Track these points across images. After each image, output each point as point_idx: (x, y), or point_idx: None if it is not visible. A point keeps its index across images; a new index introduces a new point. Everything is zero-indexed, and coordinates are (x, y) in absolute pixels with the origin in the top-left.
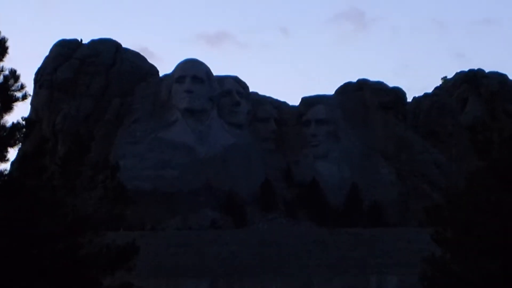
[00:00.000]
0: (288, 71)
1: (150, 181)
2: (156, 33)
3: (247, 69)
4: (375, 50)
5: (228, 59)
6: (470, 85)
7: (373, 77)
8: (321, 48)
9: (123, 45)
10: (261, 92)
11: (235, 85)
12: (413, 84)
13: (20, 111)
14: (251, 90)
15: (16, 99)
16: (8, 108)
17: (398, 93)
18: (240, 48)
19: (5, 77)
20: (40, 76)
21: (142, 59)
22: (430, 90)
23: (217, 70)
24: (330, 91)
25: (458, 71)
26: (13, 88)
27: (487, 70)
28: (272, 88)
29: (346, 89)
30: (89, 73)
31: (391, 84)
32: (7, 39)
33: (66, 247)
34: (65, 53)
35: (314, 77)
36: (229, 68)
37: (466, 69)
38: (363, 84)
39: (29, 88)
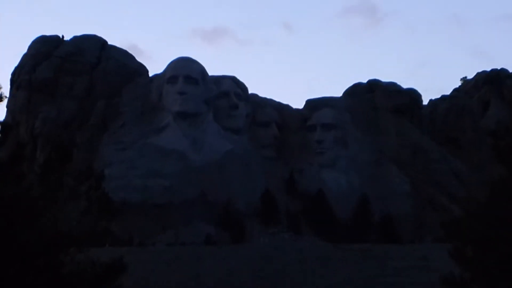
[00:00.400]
0: (292, 71)
1: (138, 192)
2: (146, 29)
3: (247, 68)
4: (388, 48)
5: (226, 58)
6: (492, 86)
7: (385, 78)
8: (328, 45)
9: (109, 42)
10: (262, 94)
11: (232, 86)
12: (429, 86)
13: None
14: (250, 91)
15: None
16: None
17: (412, 95)
18: (239, 46)
19: None
20: (17, 76)
21: (130, 57)
22: (448, 92)
23: (213, 69)
24: (338, 93)
25: (479, 71)
26: None
27: (511, 70)
28: (273, 89)
29: (356, 91)
30: (71, 72)
31: (405, 85)
32: None
33: (46, 264)
34: (45, 50)
35: (320, 77)
36: (226, 68)
37: (488, 69)
38: (374, 85)
39: (5, 89)
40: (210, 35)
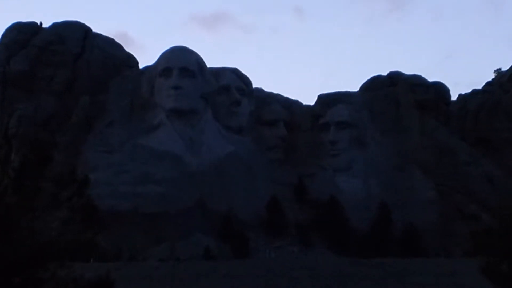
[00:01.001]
0: (302, 62)
1: (128, 200)
2: (137, 15)
3: (251, 59)
4: (412, 36)
5: (227, 47)
6: None
7: (408, 70)
8: (344, 33)
9: (94, 30)
10: (267, 88)
11: (234, 79)
12: (459, 79)
13: None
14: (254, 85)
15: None
16: None
17: (439, 89)
18: (243, 33)
19: None
20: None
21: (118, 47)
22: (480, 85)
23: (213, 60)
24: (354, 87)
25: None
26: None
27: None
28: (281, 83)
29: (374, 85)
30: (50, 64)
31: (430, 78)
32: None
33: (23, 282)
34: (21, 39)
35: (334, 69)
36: (228, 58)
37: None
38: (395, 78)
39: None
40: (209, 22)
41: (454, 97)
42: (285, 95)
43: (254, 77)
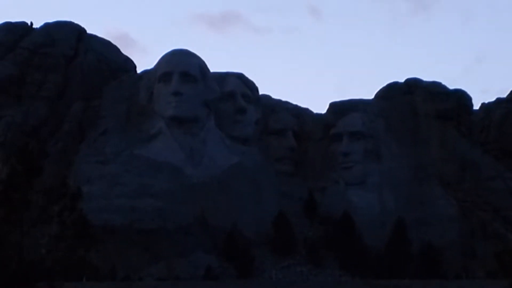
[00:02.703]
0: (315, 67)
1: (123, 214)
2: (140, 14)
3: (260, 63)
4: (438, 39)
5: (235, 50)
6: None
7: (432, 76)
8: (363, 36)
9: (92, 30)
10: (276, 95)
11: (239, 85)
12: (488, 86)
13: None
14: (262, 92)
15: None
16: None
17: (460, 97)
18: (254, 35)
19: None
20: None
21: (113, 49)
22: (505, 94)
23: (221, 64)
24: (369, 94)
25: None
26: None
27: None
28: (290, 90)
29: (391, 92)
30: (41, 68)
31: (456, 84)
32: None
33: None
34: (9, 40)
35: (349, 75)
36: (237, 62)
37: None
38: (413, 85)
39: None
40: (218, 22)
41: (476, 106)
42: (294, 102)
43: (261, 83)
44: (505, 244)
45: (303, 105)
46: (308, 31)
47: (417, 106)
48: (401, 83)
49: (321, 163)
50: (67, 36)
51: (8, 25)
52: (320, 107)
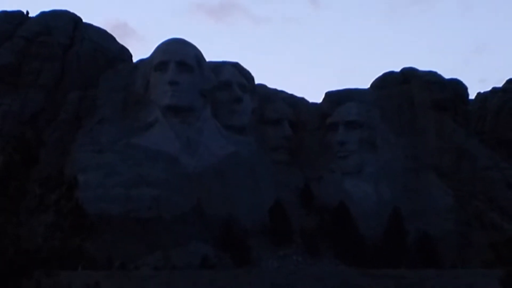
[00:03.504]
0: (311, 56)
1: (120, 203)
2: (138, 3)
3: (257, 52)
4: (437, 29)
5: (234, 39)
6: None
7: (430, 66)
8: (361, 25)
9: (90, 19)
10: (271, 84)
11: (235, 74)
12: (488, 75)
13: None
14: (257, 81)
15: None
16: None
17: (456, 87)
18: (254, 24)
19: None
20: None
21: (110, 38)
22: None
23: (218, 53)
24: (365, 83)
25: None
26: None
27: None
28: (286, 79)
29: (387, 82)
30: (38, 57)
31: (455, 74)
32: None
33: None
34: (5, 29)
35: (345, 64)
36: (235, 52)
37: None
38: (409, 75)
39: None
40: (217, 11)
41: (472, 95)
42: (290, 92)
43: (257, 72)
44: (501, 234)
45: (299, 94)
46: (307, 20)
47: (413, 96)
48: (397, 72)
49: (317, 153)
50: (63, 25)
51: (4, 14)
52: (316, 97)
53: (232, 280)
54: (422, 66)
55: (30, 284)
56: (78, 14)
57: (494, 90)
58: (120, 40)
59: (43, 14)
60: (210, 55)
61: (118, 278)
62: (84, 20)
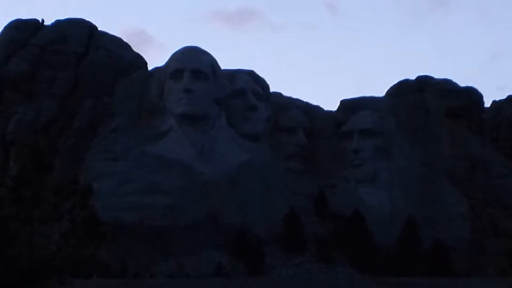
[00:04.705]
0: (327, 64)
1: (134, 211)
2: (156, 11)
3: (273, 60)
4: (455, 35)
5: (251, 47)
6: None
7: (447, 73)
8: (380, 33)
9: (107, 27)
10: (286, 92)
11: (250, 82)
12: (505, 82)
13: None
14: (272, 89)
15: None
16: None
17: (471, 95)
18: (271, 32)
19: None
20: None
21: (125, 46)
22: None
23: (235, 61)
24: (380, 91)
25: None
26: None
27: None
28: (301, 87)
29: (402, 90)
30: (52, 65)
31: (472, 81)
32: None
33: None
34: (20, 37)
35: (360, 71)
36: (250, 59)
37: None
38: (424, 83)
39: None
40: (235, 19)
41: (487, 103)
42: (305, 100)
43: (273, 80)
44: None
45: (314, 102)
46: (325, 28)
47: (428, 104)
48: (412, 80)
49: (331, 161)
50: (78, 33)
51: (19, 22)
52: (331, 105)
53: (246, 287)
54: (439, 74)
55: None
56: (96, 22)
57: (510, 98)
58: (138, 47)
59: (58, 23)
60: (227, 62)
61: (133, 286)
62: (102, 28)
